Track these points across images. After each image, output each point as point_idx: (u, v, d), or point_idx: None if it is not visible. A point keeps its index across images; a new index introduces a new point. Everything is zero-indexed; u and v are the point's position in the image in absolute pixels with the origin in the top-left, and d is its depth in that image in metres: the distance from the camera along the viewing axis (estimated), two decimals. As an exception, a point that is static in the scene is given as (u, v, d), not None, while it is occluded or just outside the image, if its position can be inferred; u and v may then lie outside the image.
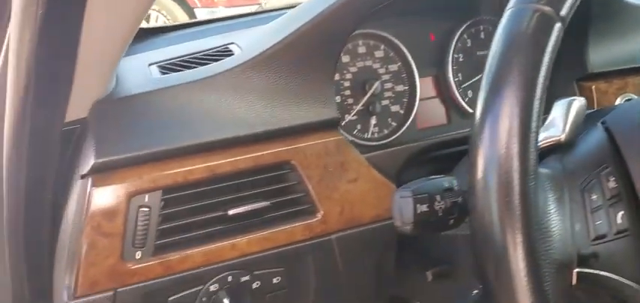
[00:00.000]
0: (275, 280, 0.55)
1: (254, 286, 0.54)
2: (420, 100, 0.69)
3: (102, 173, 0.50)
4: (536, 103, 0.37)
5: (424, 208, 0.45)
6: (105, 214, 0.49)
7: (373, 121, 0.67)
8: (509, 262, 0.36)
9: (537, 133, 0.37)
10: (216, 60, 0.60)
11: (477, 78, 0.72)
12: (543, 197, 0.39)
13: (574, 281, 0.39)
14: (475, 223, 0.38)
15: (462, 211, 0.48)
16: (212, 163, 0.53)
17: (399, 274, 0.62)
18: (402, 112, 0.68)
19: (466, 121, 0.70)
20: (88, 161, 0.50)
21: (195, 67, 0.59)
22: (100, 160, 0.50)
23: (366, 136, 0.66)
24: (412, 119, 0.68)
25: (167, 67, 0.59)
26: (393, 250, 0.60)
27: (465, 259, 0.58)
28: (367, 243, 0.58)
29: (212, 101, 0.55)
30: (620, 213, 0.39)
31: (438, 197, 0.46)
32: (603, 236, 0.39)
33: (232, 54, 0.61)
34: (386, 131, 0.67)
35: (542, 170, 0.41)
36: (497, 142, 0.37)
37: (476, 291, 0.49)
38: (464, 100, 0.70)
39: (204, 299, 0.53)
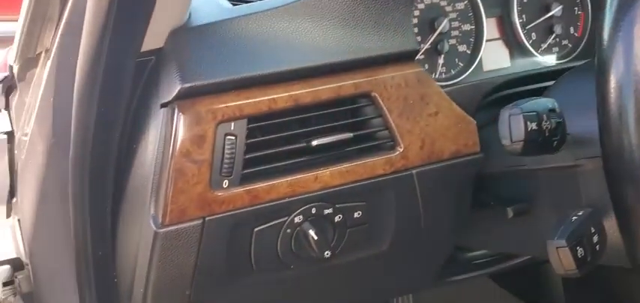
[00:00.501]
0: (356, 215, 0.54)
1: (336, 219, 0.53)
2: (486, 41, 0.67)
3: (187, 100, 0.48)
4: None
5: (534, 126, 0.44)
6: (193, 140, 0.47)
7: (441, 60, 0.66)
8: None
9: None
10: None
11: (541, 19, 0.70)
12: None
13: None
14: (610, 144, 0.37)
15: (564, 133, 0.47)
16: (294, 93, 0.51)
17: (475, 215, 0.61)
18: (468, 52, 0.67)
19: (529, 61, 0.69)
20: (172, 88, 0.48)
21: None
22: (186, 86, 0.48)
23: (433, 75, 0.65)
24: (479, 60, 0.67)
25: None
26: (470, 188, 0.59)
27: (545, 195, 0.57)
28: (447, 180, 0.57)
29: (289, 29, 0.53)
30: None
31: (544, 116, 0.45)
32: None
33: None
34: (453, 72, 0.66)
35: None
36: (631, 64, 0.36)
37: (576, 216, 0.48)
38: (528, 42, 0.69)
39: (288, 231, 0.51)
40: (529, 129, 0.44)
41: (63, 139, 0.57)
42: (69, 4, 0.50)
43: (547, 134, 0.45)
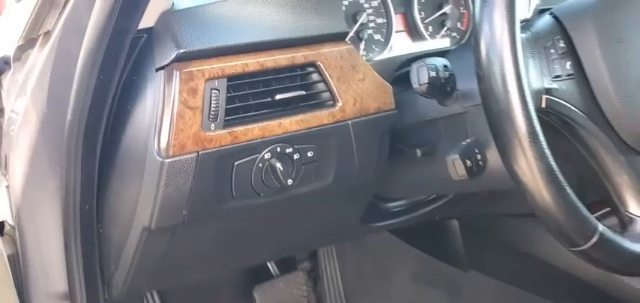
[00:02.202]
0: (309, 154, 0.71)
1: (295, 157, 0.70)
2: (395, 32, 0.88)
3: (181, 63, 0.63)
4: (516, 3, 0.57)
5: (433, 74, 0.65)
6: (188, 91, 0.63)
7: (362, 45, 0.86)
8: (509, 92, 0.56)
9: (517, 20, 0.57)
10: None
11: (435, 16, 0.92)
12: (525, 53, 0.59)
13: (543, 104, 0.59)
14: (484, 90, 0.57)
15: (454, 82, 0.68)
16: (261, 60, 0.68)
17: (394, 163, 0.81)
18: (382, 40, 0.88)
19: (425, 46, 0.90)
20: (169, 54, 0.63)
21: None
22: (181, 52, 0.63)
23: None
24: (389, 46, 0.87)
25: None
26: (388, 136, 0.79)
27: (444, 137, 0.77)
28: (372, 129, 0.76)
29: (253, 12, 0.70)
30: (568, 63, 0.60)
31: (441, 69, 0.66)
32: (559, 76, 0.60)
33: None
34: (371, 55, 0.86)
35: (522, 35, 0.61)
36: (494, 24, 0.57)
37: (464, 142, 0.68)
38: (426, 33, 0.91)
39: (260, 165, 0.68)
40: (430, 75, 0.64)
41: (57, 108, 0.69)
42: None
43: (443, 81, 0.66)
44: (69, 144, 0.68)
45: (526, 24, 0.63)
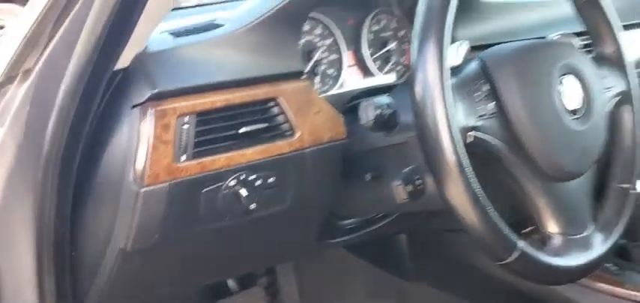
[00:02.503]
0: (270, 180, 0.80)
1: (257, 183, 0.78)
2: (346, 66, 0.98)
3: (155, 101, 0.71)
4: (446, 45, 0.68)
5: (378, 111, 0.74)
6: (162, 127, 0.70)
7: (317, 79, 0.95)
8: (439, 130, 0.66)
9: (446, 64, 0.67)
10: (209, 30, 0.83)
11: (381, 52, 1.02)
12: (453, 95, 0.69)
13: (469, 140, 0.69)
14: (419, 125, 0.67)
15: (396, 118, 0.78)
16: (226, 97, 0.76)
17: (346, 186, 0.90)
18: (335, 74, 0.97)
19: (374, 81, 1.00)
20: (144, 93, 0.70)
21: (198, 34, 0.81)
22: (155, 91, 0.70)
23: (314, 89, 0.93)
24: (341, 80, 0.97)
25: (177, 34, 0.81)
26: (340, 162, 0.88)
27: (390, 163, 0.87)
28: (326, 155, 0.85)
29: (220, 54, 0.79)
30: (492, 103, 0.71)
31: (384, 106, 0.76)
32: (483, 115, 0.71)
33: (221, 25, 0.84)
34: (325, 87, 0.95)
35: (452, 81, 0.71)
36: (428, 70, 0.67)
37: (405, 169, 0.78)
38: (374, 67, 1.01)
39: (225, 191, 0.76)
40: (375, 113, 0.74)
41: (34, 140, 0.75)
42: (61, 31, 0.70)
43: (387, 117, 0.76)
44: (45, 173, 0.74)
45: (456, 70, 0.74)
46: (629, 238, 1.14)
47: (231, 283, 1.36)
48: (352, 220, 1.06)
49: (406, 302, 1.36)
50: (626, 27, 1.34)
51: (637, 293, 1.07)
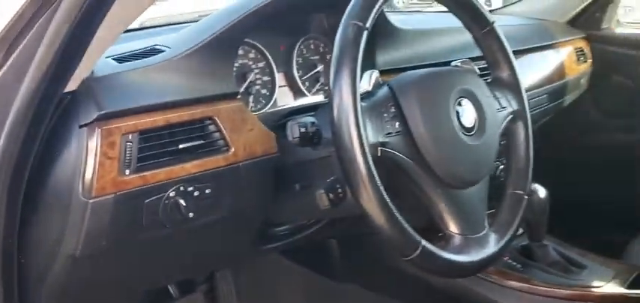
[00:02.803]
0: (207, 191, 0.89)
1: (195, 194, 0.87)
2: (278, 87, 1.09)
3: (101, 121, 0.79)
4: (358, 74, 0.79)
5: (303, 130, 0.85)
6: (108, 145, 0.78)
7: (251, 99, 1.05)
8: (353, 146, 0.77)
9: (358, 89, 0.79)
10: (150, 55, 0.92)
11: (310, 74, 1.14)
12: (364, 116, 0.81)
13: (379, 154, 0.81)
14: (335, 142, 0.78)
15: (320, 135, 0.89)
16: (166, 116, 0.85)
17: (279, 196, 1.01)
18: (268, 94, 1.07)
19: (305, 100, 1.12)
20: (92, 114, 0.78)
21: (140, 59, 0.90)
22: (102, 112, 0.79)
23: (248, 108, 1.03)
24: (274, 99, 1.08)
25: (120, 59, 0.89)
26: (273, 173, 0.98)
27: (316, 174, 0.98)
28: (259, 168, 0.95)
29: (160, 79, 0.88)
30: (397, 122, 0.83)
31: (309, 125, 0.87)
32: (390, 133, 0.83)
33: (162, 51, 0.93)
34: (259, 106, 1.06)
35: (363, 104, 0.83)
36: (343, 95, 0.78)
37: (329, 179, 0.89)
38: (304, 87, 1.12)
39: (166, 201, 0.84)
40: (300, 131, 0.85)
41: None
42: (12, 58, 0.77)
43: (311, 135, 0.87)
44: None
45: (368, 94, 0.86)
46: (532, 240, 1.30)
47: (172, 289, 1.44)
48: (285, 227, 1.16)
49: (337, 300, 1.47)
50: (521, 52, 1.53)
51: (542, 287, 1.23)
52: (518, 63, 1.45)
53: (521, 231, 1.30)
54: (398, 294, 1.39)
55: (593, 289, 1.21)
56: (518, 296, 1.25)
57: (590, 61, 1.83)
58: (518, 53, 1.51)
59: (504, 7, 1.96)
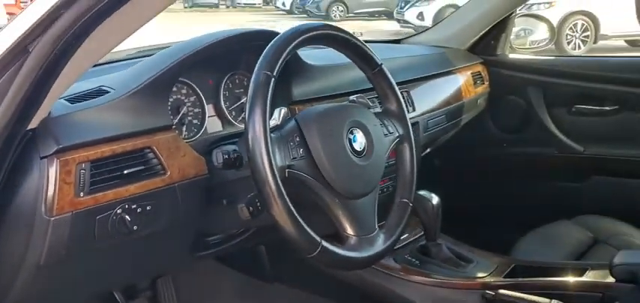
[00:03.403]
0: (148, 208, 1.09)
1: (138, 210, 1.08)
2: (208, 117, 1.31)
3: (59, 153, 0.98)
4: (268, 111, 1.02)
5: (226, 156, 1.08)
6: (65, 172, 0.98)
7: (185, 128, 1.27)
8: (265, 169, 1.00)
9: (268, 124, 1.02)
10: (97, 96, 1.12)
11: (237, 104, 1.36)
12: (273, 146, 1.04)
13: (287, 175, 1.04)
14: (250, 158, 1.01)
15: (242, 160, 1.11)
16: (112, 147, 1.05)
17: (211, 210, 1.22)
18: (199, 123, 1.29)
19: (231, 127, 1.34)
20: (51, 148, 0.98)
21: (89, 100, 1.10)
22: (60, 146, 0.98)
23: (181, 136, 1.25)
24: (204, 128, 1.29)
25: (72, 100, 1.09)
26: (204, 191, 1.20)
27: (240, 191, 1.20)
28: (192, 188, 1.16)
29: (107, 116, 1.08)
30: (301, 149, 1.07)
31: (231, 152, 1.09)
32: (296, 157, 1.06)
33: (108, 92, 1.13)
34: (191, 134, 1.27)
35: (273, 135, 1.06)
36: (255, 129, 1.01)
37: (250, 194, 1.12)
38: (231, 117, 1.34)
39: (114, 217, 1.04)
40: (224, 157, 1.07)
41: None
42: None
43: (233, 160, 1.09)
44: None
45: (278, 127, 1.09)
46: (428, 240, 1.57)
47: (117, 295, 1.62)
48: (217, 236, 1.38)
49: (267, 300, 1.70)
50: (423, 79, 1.80)
51: (437, 279, 1.49)
52: (419, 88, 1.75)
53: (420, 233, 1.57)
54: (318, 291, 1.63)
55: (476, 280, 1.48)
56: (418, 288, 1.50)
57: (487, 83, 2.14)
58: (420, 80, 1.80)
59: (412, 36, 2.25)
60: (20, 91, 0.92)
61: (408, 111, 1.60)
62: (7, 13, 6.81)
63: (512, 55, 2.21)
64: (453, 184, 2.02)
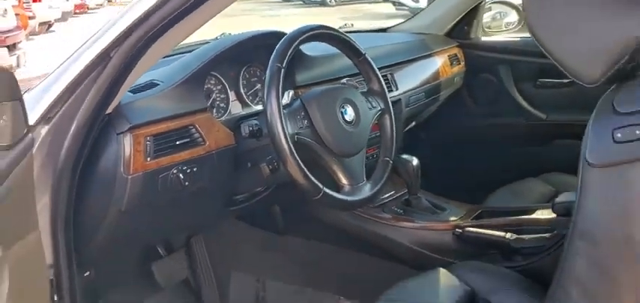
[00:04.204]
0: (194, 170, 1.49)
1: (188, 171, 1.48)
2: (231, 101, 1.71)
3: (131, 130, 1.39)
4: (280, 94, 1.43)
5: (251, 128, 1.49)
6: (137, 143, 1.38)
7: (214, 111, 1.67)
8: (280, 137, 1.40)
9: (281, 103, 1.42)
10: (151, 87, 1.52)
11: (253, 90, 1.77)
12: (285, 119, 1.44)
13: (296, 140, 1.44)
14: (269, 129, 1.41)
15: (261, 131, 1.52)
16: (167, 125, 1.46)
17: (236, 171, 1.63)
18: (224, 107, 1.70)
19: (249, 108, 1.74)
20: (124, 126, 1.38)
21: (146, 90, 1.50)
22: (131, 125, 1.38)
23: (213, 117, 1.65)
24: (229, 110, 1.70)
25: (133, 91, 1.49)
26: (233, 157, 1.61)
27: (261, 156, 1.60)
28: (224, 155, 1.57)
29: (160, 102, 1.48)
30: (306, 121, 1.47)
31: (254, 125, 1.50)
32: (302, 127, 1.46)
33: (158, 84, 1.54)
34: (219, 115, 1.68)
35: (284, 112, 1.46)
36: (272, 108, 1.41)
37: (269, 157, 1.53)
38: (248, 100, 1.75)
39: (171, 176, 1.45)
40: (249, 130, 1.48)
41: (56, 151, 1.39)
42: (77, 91, 1.34)
43: (255, 131, 1.50)
44: (61, 170, 1.38)
45: (288, 105, 1.50)
46: (410, 194, 1.98)
47: (160, 249, 2.04)
48: (243, 195, 1.79)
49: (281, 249, 2.12)
50: (405, 63, 2.20)
51: (419, 224, 1.90)
52: (402, 71, 2.16)
53: (405, 190, 1.98)
54: (322, 238, 2.04)
55: (449, 222, 1.89)
56: (403, 231, 1.91)
57: (462, 63, 2.54)
58: (403, 63, 2.20)
59: (397, 25, 2.64)
60: (102, 88, 1.32)
61: (391, 90, 2.02)
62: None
63: (484, 38, 2.60)
64: (435, 151, 2.44)
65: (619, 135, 0.91)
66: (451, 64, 2.44)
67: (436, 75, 2.34)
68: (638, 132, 0.89)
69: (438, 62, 2.37)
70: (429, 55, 2.34)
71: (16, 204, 1.21)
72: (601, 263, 0.93)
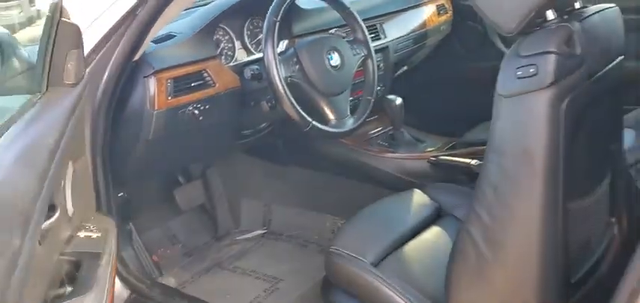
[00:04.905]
0: (207, 107, 1.84)
1: (202, 108, 1.82)
2: (237, 49, 2.05)
3: (155, 73, 1.74)
4: (276, 43, 1.76)
5: (252, 72, 1.84)
6: (159, 84, 1.73)
7: (223, 58, 2.01)
8: (276, 79, 1.74)
9: (276, 51, 1.76)
10: (170, 38, 1.86)
11: (256, 39, 2.10)
12: (280, 65, 1.78)
13: (289, 81, 1.78)
14: (266, 72, 1.75)
15: (261, 75, 1.87)
16: (185, 70, 1.80)
17: (241, 109, 1.98)
18: (231, 54, 2.04)
19: (253, 55, 2.08)
20: (149, 70, 1.72)
21: (166, 41, 1.85)
22: (155, 69, 1.73)
23: (222, 63, 1.99)
24: (235, 57, 2.04)
25: (155, 41, 1.83)
26: (238, 97, 1.95)
27: (262, 95, 1.95)
28: (231, 95, 1.92)
29: (178, 51, 1.82)
30: (297, 66, 1.81)
31: (255, 70, 1.85)
32: (294, 70, 1.80)
33: (175, 36, 1.88)
34: (227, 61, 2.02)
35: (279, 58, 1.79)
36: (268, 56, 1.75)
37: (268, 95, 1.87)
38: (252, 48, 2.08)
39: (188, 112, 1.80)
40: (251, 73, 1.82)
41: (93, 90, 1.75)
42: (110, 41, 1.69)
43: (257, 74, 1.84)
44: (98, 107, 1.74)
45: (283, 52, 1.83)
46: (394, 129, 2.31)
47: (180, 178, 2.42)
48: (249, 130, 2.15)
49: (285, 178, 2.49)
50: (395, 13, 2.50)
51: (402, 155, 2.24)
52: (391, 21, 2.48)
53: (390, 126, 2.32)
54: (317, 167, 2.41)
55: (426, 152, 2.23)
56: (387, 161, 2.26)
57: (450, 13, 2.82)
58: (392, 14, 2.51)
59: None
60: (129, 41, 1.66)
61: (380, 38, 2.34)
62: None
63: (470, -11, 2.86)
64: (424, 91, 2.76)
65: (520, 72, 1.21)
66: (438, 13, 2.72)
67: (423, 24, 2.63)
68: (531, 70, 1.20)
69: (425, 12, 2.66)
70: (418, 6, 2.63)
71: (78, 130, 1.56)
72: (507, 170, 1.25)
